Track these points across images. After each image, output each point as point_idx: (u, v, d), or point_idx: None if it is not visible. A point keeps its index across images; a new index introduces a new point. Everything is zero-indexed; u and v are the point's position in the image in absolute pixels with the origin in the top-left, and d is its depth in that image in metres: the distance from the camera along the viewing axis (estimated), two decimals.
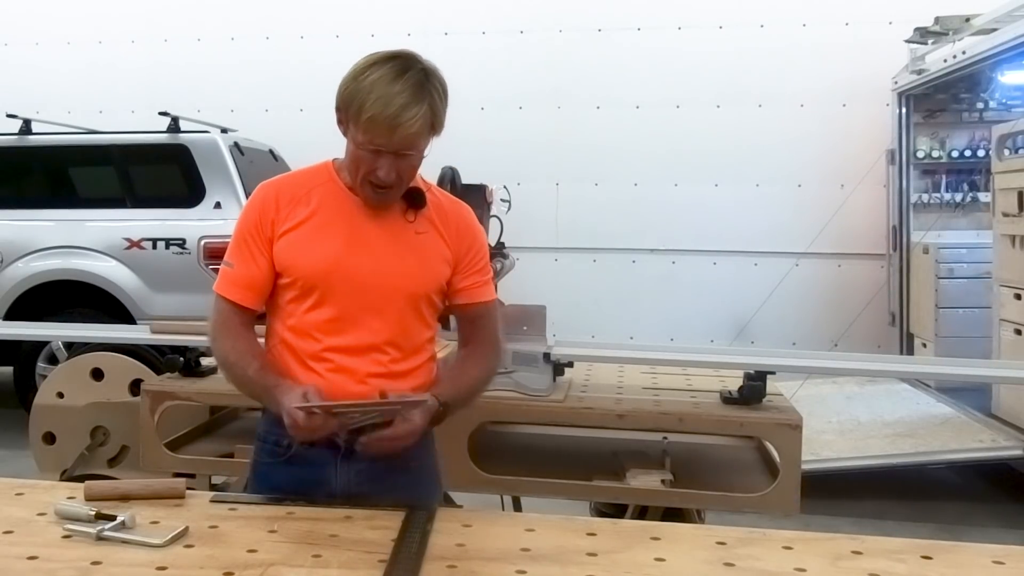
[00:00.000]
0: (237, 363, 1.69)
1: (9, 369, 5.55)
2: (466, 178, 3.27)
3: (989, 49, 4.72)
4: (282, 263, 1.69)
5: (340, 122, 1.66)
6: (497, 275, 3.06)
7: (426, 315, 1.75)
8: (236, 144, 5.54)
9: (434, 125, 1.61)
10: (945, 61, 5.22)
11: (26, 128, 5.66)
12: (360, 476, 1.70)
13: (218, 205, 5.20)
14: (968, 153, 6.03)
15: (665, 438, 2.54)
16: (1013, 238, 4.54)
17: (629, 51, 6.76)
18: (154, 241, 5.27)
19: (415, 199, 1.72)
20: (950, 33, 5.22)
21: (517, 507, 2.87)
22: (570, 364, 2.72)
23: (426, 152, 1.65)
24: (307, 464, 1.71)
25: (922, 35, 5.40)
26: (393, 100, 1.54)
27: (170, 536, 1.36)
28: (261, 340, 1.78)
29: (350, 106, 1.59)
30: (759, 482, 2.49)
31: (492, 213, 3.31)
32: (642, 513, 2.52)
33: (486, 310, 1.82)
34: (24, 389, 5.28)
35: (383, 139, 1.57)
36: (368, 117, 1.56)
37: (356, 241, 1.68)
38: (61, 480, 2.90)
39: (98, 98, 7.27)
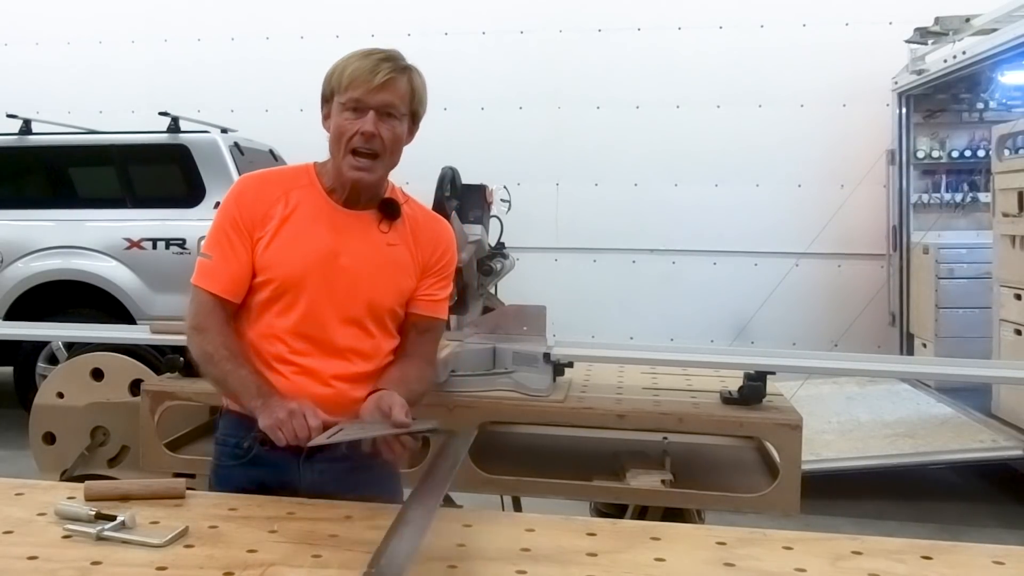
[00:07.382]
0: (219, 362, 1.67)
1: (9, 369, 5.54)
2: (466, 178, 3.28)
3: (989, 49, 4.71)
4: (259, 264, 1.70)
5: (325, 116, 1.71)
6: (497, 275, 3.06)
7: (389, 326, 1.78)
8: (236, 144, 5.54)
9: (413, 97, 1.67)
10: (945, 61, 5.22)
11: (26, 128, 5.66)
12: (324, 476, 1.71)
13: (218, 205, 5.18)
14: (968, 153, 6.03)
15: (665, 438, 2.53)
16: (1013, 238, 4.54)
17: (629, 51, 6.76)
18: (154, 241, 5.27)
19: (389, 210, 1.74)
20: (950, 33, 5.22)
21: (517, 507, 2.86)
22: (570, 364, 2.71)
23: (408, 136, 1.70)
24: (269, 465, 1.71)
25: (922, 35, 5.40)
26: (370, 60, 1.64)
27: (170, 536, 1.36)
28: None
29: (331, 80, 1.66)
30: (759, 482, 2.49)
31: (492, 213, 3.30)
32: (642, 513, 2.52)
33: (435, 326, 1.85)
34: (24, 389, 5.27)
35: (364, 89, 1.62)
36: (349, 73, 1.63)
37: (330, 250, 1.70)
38: (61, 480, 2.89)
39: (98, 98, 7.27)
